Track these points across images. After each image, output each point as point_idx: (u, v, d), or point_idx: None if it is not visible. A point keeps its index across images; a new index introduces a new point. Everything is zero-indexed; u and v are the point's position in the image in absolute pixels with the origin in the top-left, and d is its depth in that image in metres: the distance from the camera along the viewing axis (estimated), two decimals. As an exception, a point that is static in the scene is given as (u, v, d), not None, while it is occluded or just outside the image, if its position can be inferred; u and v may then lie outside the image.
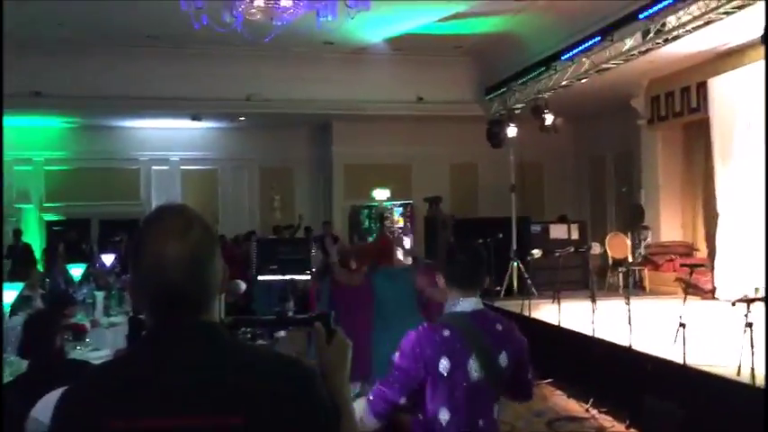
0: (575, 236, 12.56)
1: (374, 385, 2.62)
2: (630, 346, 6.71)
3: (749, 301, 5.47)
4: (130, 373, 1.29)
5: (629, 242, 12.21)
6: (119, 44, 12.20)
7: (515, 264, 11.63)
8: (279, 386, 1.27)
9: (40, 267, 11.08)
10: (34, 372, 3.51)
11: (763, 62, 8.49)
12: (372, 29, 11.92)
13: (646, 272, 11.86)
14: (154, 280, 1.28)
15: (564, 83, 11.08)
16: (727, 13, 7.72)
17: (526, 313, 8.94)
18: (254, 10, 7.47)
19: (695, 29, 8.25)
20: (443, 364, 2.55)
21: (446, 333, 2.60)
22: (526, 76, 12.06)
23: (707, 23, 8.06)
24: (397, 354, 2.61)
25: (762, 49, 7.65)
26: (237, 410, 1.22)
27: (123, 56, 12.41)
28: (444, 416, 2.56)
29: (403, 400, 2.56)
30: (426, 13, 11.28)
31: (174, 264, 1.27)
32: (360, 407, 2.48)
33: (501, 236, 11.69)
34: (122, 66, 12.47)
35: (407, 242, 13.80)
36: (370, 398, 2.58)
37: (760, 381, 5.15)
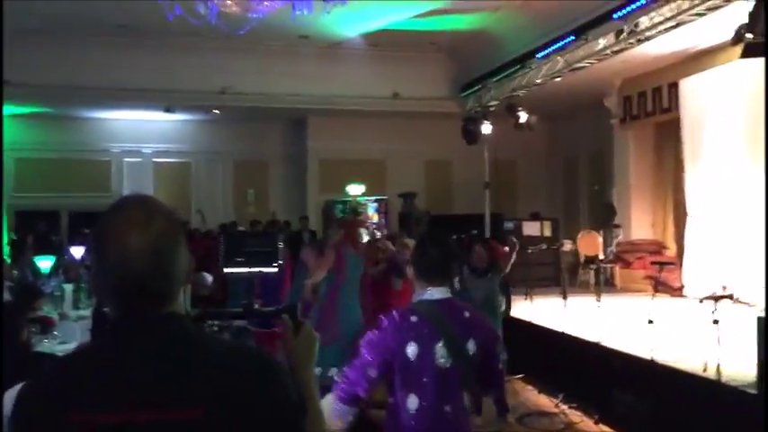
0: (547, 233, 12.68)
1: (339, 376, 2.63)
2: (600, 343, 6.79)
3: (716, 299, 5.57)
4: (92, 365, 1.27)
5: (600, 240, 12.34)
6: (91, 34, 12.02)
7: (488, 260, 11.68)
8: (243, 380, 1.26)
9: (7, 259, 10.90)
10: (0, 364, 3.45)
11: (733, 64, 8.64)
12: (348, 24, 11.89)
13: (617, 269, 12.00)
14: (117, 272, 1.26)
15: (538, 81, 11.16)
16: (698, 15, 7.83)
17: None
18: (229, 2, 7.41)
19: (667, 30, 8.35)
20: (411, 349, 2.59)
21: (413, 319, 2.64)
22: (501, 73, 12.13)
23: (678, 25, 8.16)
24: (365, 338, 2.63)
25: (730, 51, 7.77)
26: (199, 404, 1.21)
27: (96, 46, 12.23)
28: (413, 403, 2.59)
29: (375, 373, 2.56)
30: (403, 9, 11.27)
31: (137, 255, 1.25)
32: (327, 404, 2.48)
33: (475, 232, 11.76)
34: (95, 56, 12.29)
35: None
36: (340, 386, 2.58)
37: (725, 377, 5.24)
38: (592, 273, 11.73)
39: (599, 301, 6.72)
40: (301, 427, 1.33)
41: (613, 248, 12.13)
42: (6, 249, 11.91)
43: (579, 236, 12.60)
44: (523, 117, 11.84)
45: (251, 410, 1.24)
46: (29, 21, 11.07)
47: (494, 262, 6.88)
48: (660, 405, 5.80)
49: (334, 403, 2.54)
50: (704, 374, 5.47)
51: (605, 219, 12.51)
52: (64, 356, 1.41)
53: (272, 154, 16.12)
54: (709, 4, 7.53)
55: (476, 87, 13.17)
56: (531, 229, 12.80)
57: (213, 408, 1.21)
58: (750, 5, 6.63)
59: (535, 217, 13.42)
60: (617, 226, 12.37)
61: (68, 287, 7.25)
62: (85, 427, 1.20)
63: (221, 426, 1.21)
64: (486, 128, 12.50)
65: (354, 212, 13.72)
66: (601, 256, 12.06)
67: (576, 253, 12.24)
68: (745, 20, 6.66)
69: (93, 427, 1.20)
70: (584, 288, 11.12)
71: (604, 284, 11.45)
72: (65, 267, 8.94)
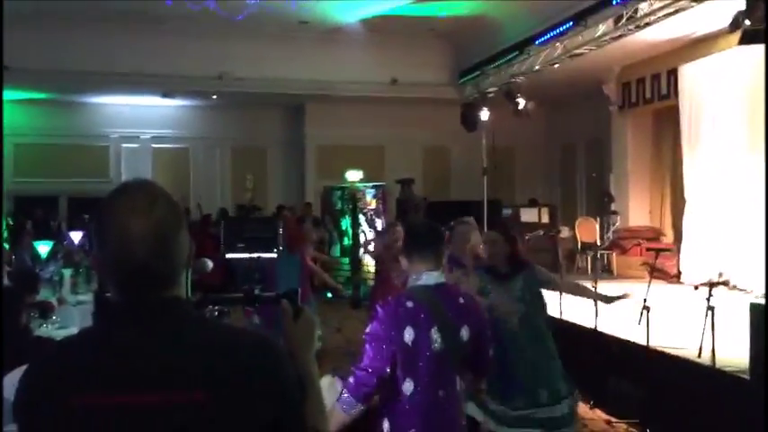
0: (545, 219, 12.69)
1: (347, 376, 2.65)
2: (596, 328, 6.82)
3: (712, 286, 5.60)
4: (94, 348, 1.28)
5: (597, 226, 12.38)
6: (90, 19, 11.98)
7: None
8: (243, 362, 1.27)
9: (5, 244, 10.92)
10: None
11: (731, 51, 8.63)
12: (347, 9, 11.85)
13: (614, 256, 12.04)
14: (119, 257, 1.27)
15: (537, 67, 11.14)
16: (697, 1, 7.81)
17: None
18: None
19: (666, 16, 8.34)
20: (408, 334, 2.62)
21: (409, 304, 2.67)
22: (500, 59, 12.10)
23: (677, 11, 8.14)
24: (367, 330, 2.66)
25: (728, 38, 7.77)
26: (200, 387, 1.23)
27: (94, 31, 12.20)
28: (408, 387, 2.62)
29: (388, 369, 2.60)
30: (401, -7, 11.24)
31: (139, 240, 1.26)
32: (326, 385, 2.50)
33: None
34: (94, 41, 12.25)
35: (380, 224, 13.83)
36: (351, 383, 2.60)
37: (720, 362, 5.29)
38: (589, 259, 11.80)
39: (596, 287, 6.73)
40: (300, 409, 1.35)
41: (610, 235, 12.18)
42: (5, 234, 11.92)
43: (577, 222, 12.63)
44: (522, 103, 11.82)
45: (250, 393, 1.25)
46: (27, 5, 11.03)
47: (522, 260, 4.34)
48: (655, 390, 5.85)
49: (346, 396, 2.57)
50: (699, 360, 5.51)
51: (603, 205, 12.54)
52: (66, 339, 1.42)
53: (270, 140, 16.10)
54: (707, -10, 7.53)
55: (474, 74, 13.15)
56: (528, 215, 12.81)
57: (215, 390, 1.23)
58: (748, -8, 6.63)
59: (533, 203, 13.43)
60: (614, 213, 12.40)
61: (67, 272, 7.28)
62: (88, 409, 1.21)
63: (223, 408, 1.23)
64: (485, 114, 12.48)
65: (353, 199, 13.76)
66: (598, 243, 12.12)
67: (573, 239, 12.28)
68: (743, 6, 6.66)
69: (96, 409, 1.21)
70: (581, 274, 11.16)
71: (601, 271, 11.52)
72: (64, 253, 8.97)
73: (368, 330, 2.66)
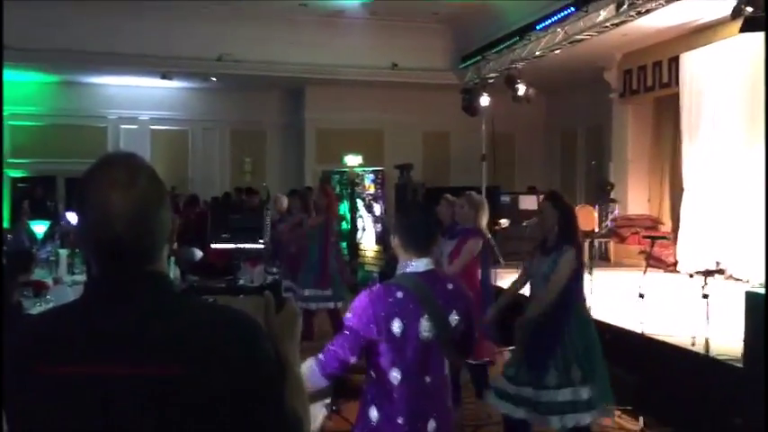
0: (543, 207, 12.66)
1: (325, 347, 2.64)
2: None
3: (707, 274, 5.59)
4: (68, 319, 1.28)
5: (596, 214, 12.34)
6: (87, -2, 11.91)
7: (484, 233, 11.69)
8: (221, 337, 1.26)
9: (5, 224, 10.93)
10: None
11: (733, 39, 8.57)
12: (348, -8, 11.78)
13: (611, 244, 12.03)
14: (98, 231, 1.26)
15: (538, 53, 11.07)
16: (699, -12, 7.76)
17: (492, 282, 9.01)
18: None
19: (668, 2, 8.27)
20: (396, 325, 2.59)
21: (399, 294, 2.63)
22: (501, 45, 12.02)
23: (679, -3, 8.09)
24: (348, 314, 2.64)
25: (732, 26, 7.70)
26: (176, 360, 1.21)
27: (93, 10, 12.10)
28: (396, 375, 2.61)
29: (353, 359, 2.59)
30: (403, -23, 11.15)
31: (119, 215, 1.24)
32: (305, 368, 2.49)
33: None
34: (92, 21, 12.17)
35: (378, 209, 13.82)
36: (321, 358, 2.59)
37: (713, 350, 5.29)
38: (587, 246, 11.77)
39: (591, 274, 6.72)
40: (280, 389, 1.33)
41: (609, 223, 12.16)
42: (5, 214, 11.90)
43: (576, 210, 12.59)
44: (522, 89, 11.75)
45: (228, 367, 1.24)
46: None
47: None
48: (649, 378, 5.85)
49: (314, 371, 2.55)
50: (693, 348, 5.51)
51: (602, 193, 12.50)
52: (44, 311, 1.41)
53: (269, 123, 16.05)
54: (710, -23, 7.46)
55: (475, 59, 13.06)
56: (527, 203, 12.78)
57: (189, 364, 1.22)
58: (751, -21, 6.57)
59: (532, 191, 13.40)
60: (613, 201, 12.37)
61: (63, 252, 7.27)
62: (61, 380, 1.21)
63: (199, 382, 1.22)
64: (485, 100, 12.43)
65: (352, 183, 13.74)
66: (597, 231, 12.09)
67: (571, 227, 12.23)
68: (746, -7, 6.61)
69: (70, 380, 1.21)
70: (578, 262, 11.11)
71: (599, 259, 11.52)
72: (61, 233, 8.96)
73: (349, 315, 2.63)
